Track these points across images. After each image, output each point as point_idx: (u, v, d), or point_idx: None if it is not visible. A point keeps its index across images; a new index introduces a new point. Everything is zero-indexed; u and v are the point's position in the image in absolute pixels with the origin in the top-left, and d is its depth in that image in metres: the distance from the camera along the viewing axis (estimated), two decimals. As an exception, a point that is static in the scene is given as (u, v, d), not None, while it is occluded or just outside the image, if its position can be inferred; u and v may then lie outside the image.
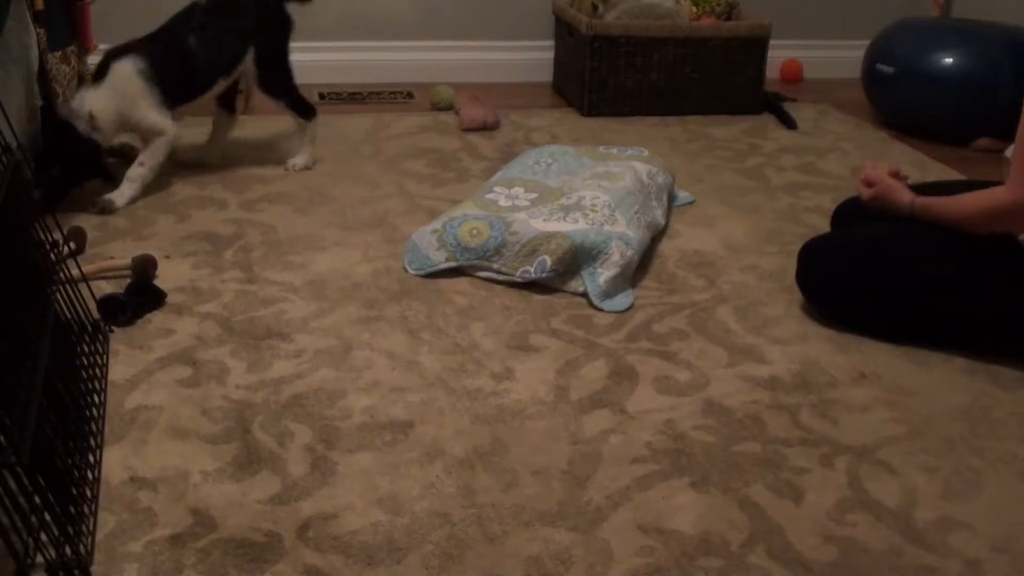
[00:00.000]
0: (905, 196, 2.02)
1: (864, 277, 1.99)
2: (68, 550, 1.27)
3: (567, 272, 2.13)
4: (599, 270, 2.11)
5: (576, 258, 2.12)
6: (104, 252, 2.24)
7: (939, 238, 1.93)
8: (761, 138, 3.33)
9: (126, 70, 2.45)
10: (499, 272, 2.16)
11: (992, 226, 1.88)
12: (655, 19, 3.48)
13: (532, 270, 2.12)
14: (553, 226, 2.18)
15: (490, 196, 2.37)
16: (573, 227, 2.17)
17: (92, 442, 1.52)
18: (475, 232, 2.18)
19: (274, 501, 1.46)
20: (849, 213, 2.23)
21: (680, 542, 1.41)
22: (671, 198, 2.63)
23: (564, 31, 3.71)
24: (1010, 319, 1.88)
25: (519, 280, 2.14)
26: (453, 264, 2.17)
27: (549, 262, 2.11)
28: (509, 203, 2.32)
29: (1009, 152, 1.91)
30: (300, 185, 2.71)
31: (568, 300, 2.12)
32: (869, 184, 2.09)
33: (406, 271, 2.20)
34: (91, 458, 1.49)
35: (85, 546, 1.31)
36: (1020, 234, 1.89)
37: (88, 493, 1.41)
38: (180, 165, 2.79)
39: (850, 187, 2.60)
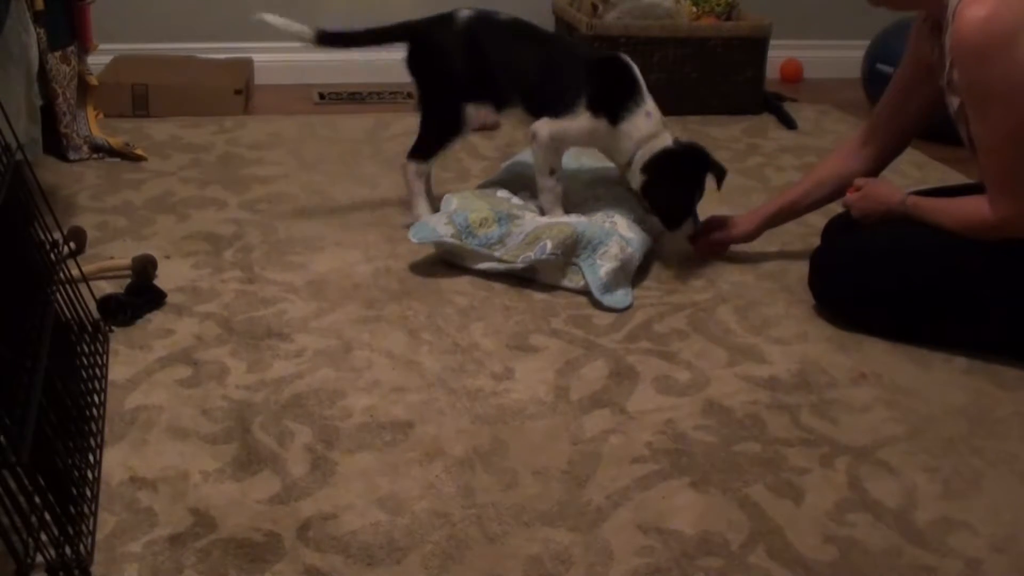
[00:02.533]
0: (896, 194, 2.01)
1: (884, 281, 1.97)
2: (68, 550, 1.27)
3: (567, 264, 2.14)
4: (599, 262, 2.11)
5: (576, 246, 2.12)
6: (104, 252, 2.24)
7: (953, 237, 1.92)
8: (761, 138, 3.33)
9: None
10: (500, 261, 2.15)
11: (977, 237, 1.87)
12: (655, 19, 3.48)
13: (532, 254, 2.12)
14: (556, 219, 2.22)
15: (501, 194, 2.38)
16: (576, 220, 2.21)
17: (92, 442, 1.52)
18: (484, 222, 2.19)
19: (274, 501, 1.46)
20: (839, 230, 2.20)
21: (680, 542, 1.41)
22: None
23: (564, 31, 3.71)
24: None
25: (519, 267, 2.14)
26: (456, 242, 2.16)
27: (550, 245, 2.11)
28: (520, 202, 2.34)
29: None
30: (300, 185, 2.71)
31: (568, 300, 2.12)
32: (856, 189, 2.08)
33: (410, 240, 2.20)
34: (91, 458, 1.49)
35: (85, 546, 1.31)
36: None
37: (88, 493, 1.41)
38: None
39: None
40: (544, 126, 2.27)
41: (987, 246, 1.87)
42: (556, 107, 2.27)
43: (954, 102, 1.89)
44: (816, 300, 2.10)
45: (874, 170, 2.15)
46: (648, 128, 2.24)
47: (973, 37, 1.73)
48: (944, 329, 1.95)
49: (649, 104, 2.25)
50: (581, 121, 2.25)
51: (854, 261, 2.03)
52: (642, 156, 2.23)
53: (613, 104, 2.24)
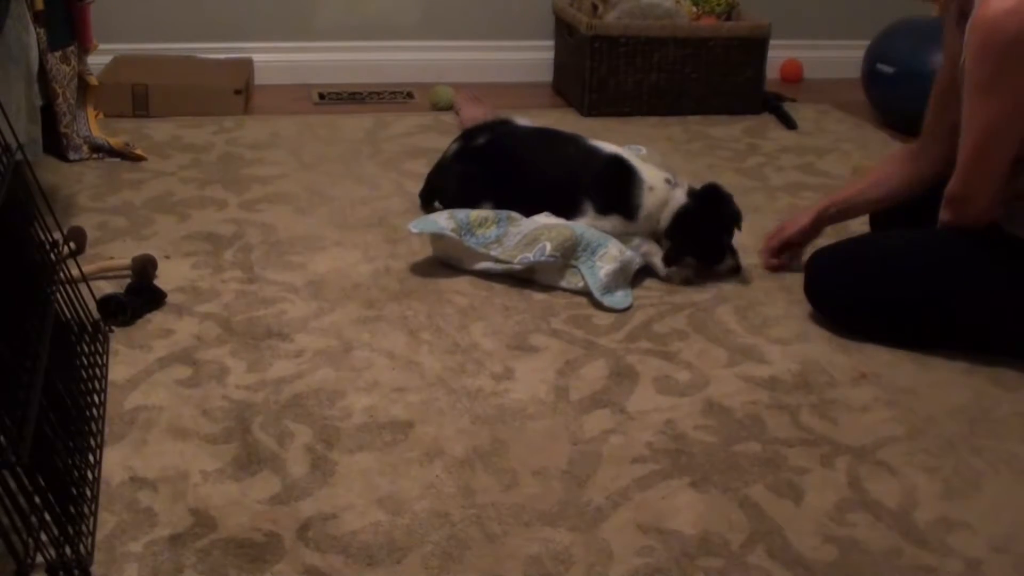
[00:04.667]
0: None
1: (877, 289, 1.97)
2: (68, 550, 1.27)
3: (565, 266, 2.14)
4: (598, 264, 2.11)
5: (575, 248, 2.13)
6: (104, 252, 2.24)
7: (947, 242, 1.92)
8: (761, 138, 3.33)
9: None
10: (497, 260, 2.16)
11: (945, 216, 1.89)
12: (655, 19, 3.48)
13: (531, 256, 2.12)
14: (555, 221, 2.22)
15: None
16: (574, 223, 2.22)
17: (92, 442, 1.52)
18: (484, 222, 2.20)
19: (274, 501, 1.46)
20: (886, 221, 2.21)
21: (680, 542, 1.41)
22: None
23: (564, 31, 3.71)
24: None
25: (518, 267, 2.14)
26: (456, 237, 2.16)
27: (549, 247, 2.11)
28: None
29: None
30: (300, 185, 2.71)
31: (568, 300, 2.12)
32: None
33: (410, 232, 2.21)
34: (91, 458, 1.49)
35: (85, 546, 1.31)
36: (970, 223, 1.88)
37: (88, 493, 1.41)
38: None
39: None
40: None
41: (983, 248, 1.87)
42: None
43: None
44: (813, 307, 2.09)
45: (942, 173, 1.98)
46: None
47: (991, 21, 1.72)
48: (941, 333, 1.95)
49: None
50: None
51: (848, 269, 2.03)
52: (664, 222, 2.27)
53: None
